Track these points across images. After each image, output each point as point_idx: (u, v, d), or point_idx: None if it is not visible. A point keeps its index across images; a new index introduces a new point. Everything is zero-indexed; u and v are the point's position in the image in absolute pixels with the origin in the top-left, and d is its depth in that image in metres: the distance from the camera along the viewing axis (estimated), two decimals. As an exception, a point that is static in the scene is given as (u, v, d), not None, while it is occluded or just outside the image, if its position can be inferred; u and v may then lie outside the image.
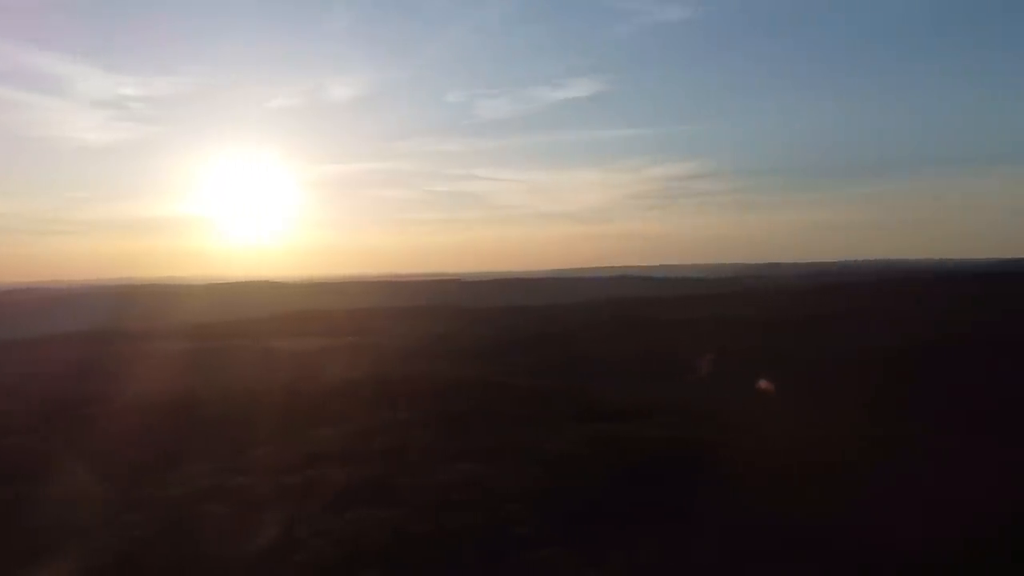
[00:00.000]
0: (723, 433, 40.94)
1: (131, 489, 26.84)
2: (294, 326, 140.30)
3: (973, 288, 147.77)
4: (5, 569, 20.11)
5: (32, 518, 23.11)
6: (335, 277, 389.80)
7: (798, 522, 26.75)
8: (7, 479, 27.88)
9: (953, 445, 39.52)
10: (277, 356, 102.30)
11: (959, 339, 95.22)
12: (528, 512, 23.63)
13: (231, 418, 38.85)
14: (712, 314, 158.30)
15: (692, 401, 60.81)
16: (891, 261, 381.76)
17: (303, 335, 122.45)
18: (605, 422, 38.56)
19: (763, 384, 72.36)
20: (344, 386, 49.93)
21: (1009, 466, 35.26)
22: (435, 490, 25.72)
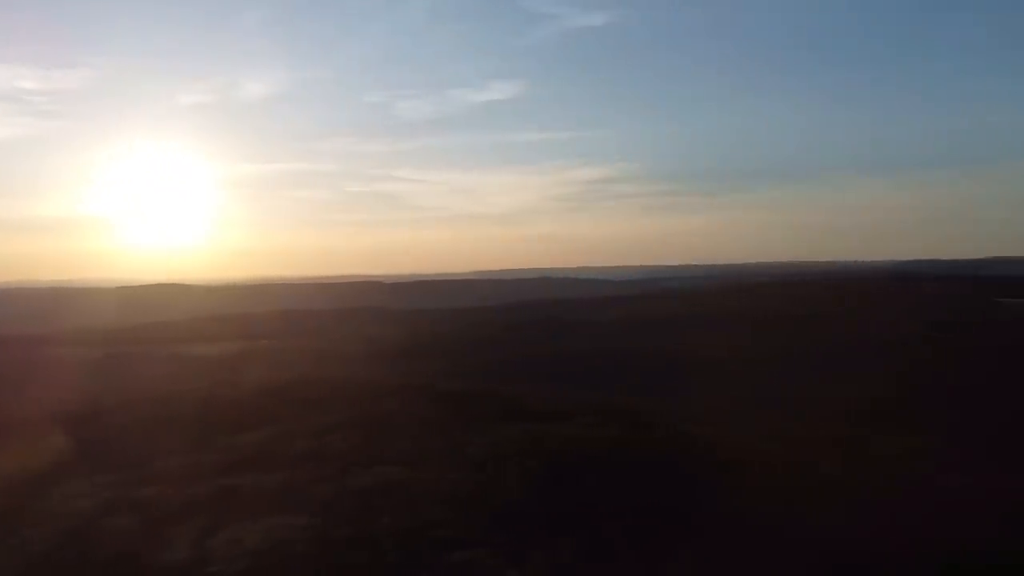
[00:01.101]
0: (644, 432, 41.68)
1: (28, 503, 25.43)
2: (207, 330, 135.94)
3: (860, 288, 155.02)
4: None
5: (-83, 537, 21.65)
6: (252, 279, 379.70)
7: (717, 517, 27.42)
8: None
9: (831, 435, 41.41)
10: (189, 361, 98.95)
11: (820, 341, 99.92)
12: (451, 514, 23.44)
13: (139, 426, 37.36)
14: (628, 315, 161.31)
15: (613, 402, 61.75)
16: (800, 263, 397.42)
17: (217, 339, 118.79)
18: (530, 423, 38.71)
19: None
20: (261, 391, 48.64)
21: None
22: (356, 495, 25.27)
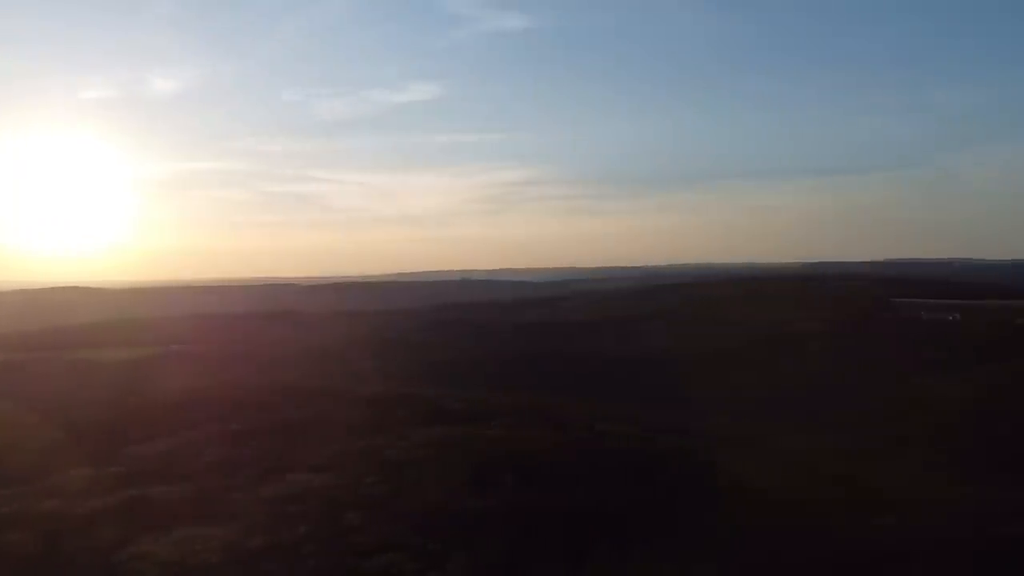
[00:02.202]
0: (564, 432, 42.17)
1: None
2: (113, 335, 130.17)
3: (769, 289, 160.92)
4: None
5: None
6: (161, 282, 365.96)
7: (636, 513, 27.99)
8: None
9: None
10: (92, 368, 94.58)
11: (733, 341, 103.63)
12: (369, 520, 23.22)
13: (38, 437, 35.52)
14: (547, 316, 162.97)
15: (534, 402, 62.24)
16: (714, 265, 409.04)
17: (126, 344, 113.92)
18: (450, 425, 38.64)
19: None
20: (169, 398, 46.95)
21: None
22: (270, 503, 24.72)
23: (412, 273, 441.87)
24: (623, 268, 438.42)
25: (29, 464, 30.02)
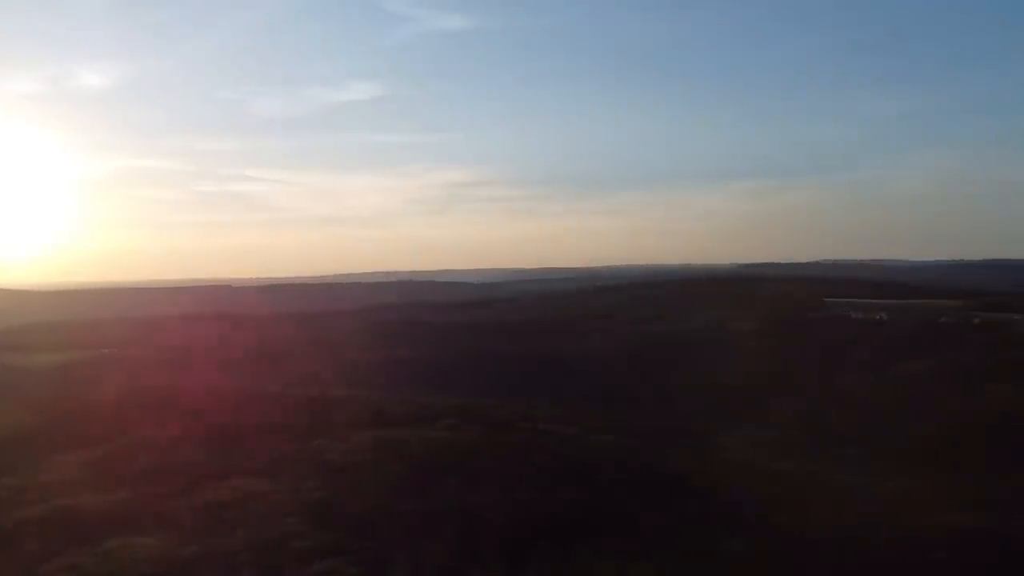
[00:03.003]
0: (504, 433, 42.37)
1: None
2: (41, 339, 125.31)
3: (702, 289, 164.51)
4: None
5: None
6: (91, 284, 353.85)
7: (577, 512, 28.29)
8: None
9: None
10: (19, 373, 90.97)
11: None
12: (308, 525, 22.97)
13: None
14: (489, 317, 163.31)
15: (477, 403, 62.29)
16: (654, 266, 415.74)
17: (51, 349, 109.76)
18: (390, 428, 38.44)
19: None
20: (101, 403, 45.51)
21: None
22: (206, 510, 24.22)
23: (353, 274, 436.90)
24: (565, 269, 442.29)
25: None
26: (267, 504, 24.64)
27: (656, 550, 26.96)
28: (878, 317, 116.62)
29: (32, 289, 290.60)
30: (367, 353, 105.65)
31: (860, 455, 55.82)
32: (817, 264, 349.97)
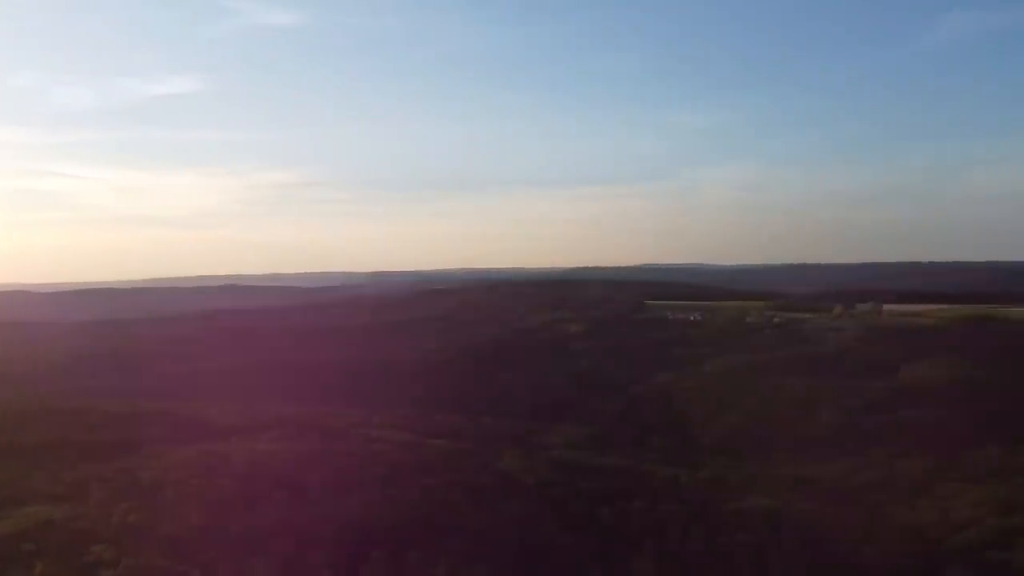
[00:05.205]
0: (337, 443, 41.40)
1: None
2: None
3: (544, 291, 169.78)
4: None
5: None
6: None
7: (409, 519, 28.14)
8: None
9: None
10: None
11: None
12: (120, 552, 21.42)
13: None
14: (320, 322, 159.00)
15: (307, 412, 60.34)
16: (484, 270, 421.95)
17: None
18: (213, 441, 36.54)
19: None
20: None
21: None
22: (1, 542, 21.98)
23: (171, 278, 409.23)
24: (397, 273, 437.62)
25: None
26: (71, 532, 22.72)
27: (489, 552, 27.42)
28: (692, 318, 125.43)
29: None
30: (189, 361, 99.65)
31: (676, 448, 59.61)
32: (638, 268, 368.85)
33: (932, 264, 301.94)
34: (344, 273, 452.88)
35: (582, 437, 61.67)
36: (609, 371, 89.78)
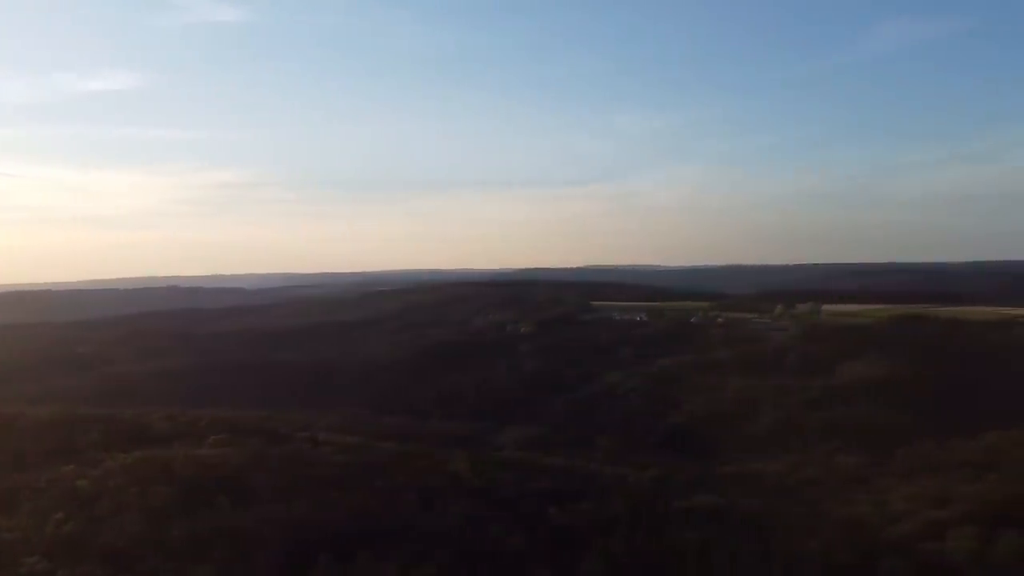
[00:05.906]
0: (281, 445, 40.73)
1: None
2: None
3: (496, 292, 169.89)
4: None
5: None
6: None
7: (358, 522, 27.83)
8: None
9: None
10: None
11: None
12: (56, 564, 20.72)
13: None
14: (261, 325, 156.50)
15: (250, 415, 59.28)
16: (437, 271, 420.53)
17: None
18: (152, 447, 35.56)
19: None
20: None
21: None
22: (-76, 556, 21.00)
23: (109, 280, 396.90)
24: (343, 274, 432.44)
25: None
26: (2, 544, 21.89)
27: (436, 552, 27.29)
28: (638, 318, 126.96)
29: None
30: (126, 365, 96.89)
31: (623, 447, 60.29)
32: (584, 269, 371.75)
33: (866, 265, 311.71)
34: (287, 275, 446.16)
35: (530, 437, 61.92)
36: (557, 372, 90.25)
